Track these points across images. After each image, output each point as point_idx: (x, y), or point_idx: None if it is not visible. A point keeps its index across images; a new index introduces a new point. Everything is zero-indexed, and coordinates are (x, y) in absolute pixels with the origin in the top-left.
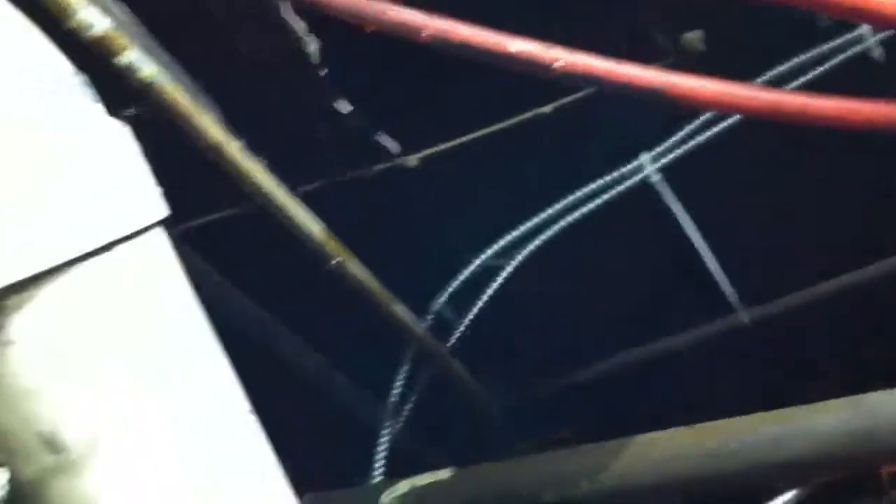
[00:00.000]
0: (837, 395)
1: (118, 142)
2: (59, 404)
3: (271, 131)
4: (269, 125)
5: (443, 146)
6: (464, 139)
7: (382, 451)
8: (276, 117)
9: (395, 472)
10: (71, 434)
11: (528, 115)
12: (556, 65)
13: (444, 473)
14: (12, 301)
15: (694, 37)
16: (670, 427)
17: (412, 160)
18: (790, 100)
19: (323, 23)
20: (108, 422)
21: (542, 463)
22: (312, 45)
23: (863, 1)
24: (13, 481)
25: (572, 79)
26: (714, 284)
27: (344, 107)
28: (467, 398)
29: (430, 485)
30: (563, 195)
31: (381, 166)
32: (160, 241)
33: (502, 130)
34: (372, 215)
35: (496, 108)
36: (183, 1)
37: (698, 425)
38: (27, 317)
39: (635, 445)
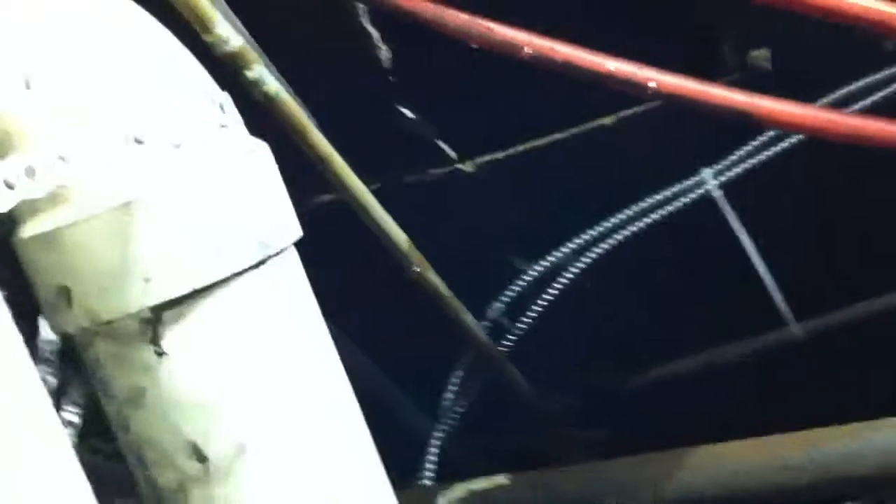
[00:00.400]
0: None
1: (260, 161)
2: (207, 415)
3: (337, 131)
4: (336, 125)
5: (500, 153)
6: (521, 148)
7: (433, 454)
8: (342, 118)
9: (442, 477)
10: (217, 444)
11: (588, 126)
12: (651, 85)
13: (501, 478)
14: (167, 316)
15: (761, 54)
16: (718, 435)
17: (469, 166)
18: (872, 126)
19: (393, 33)
20: (253, 432)
21: (603, 470)
22: (385, 53)
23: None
24: (153, 488)
25: (665, 98)
26: (769, 299)
27: (408, 113)
28: (520, 403)
29: (487, 489)
30: (621, 206)
31: (438, 171)
32: (295, 260)
33: (562, 140)
34: (430, 218)
35: (557, 119)
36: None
37: (767, 438)
38: (180, 331)
39: (701, 455)
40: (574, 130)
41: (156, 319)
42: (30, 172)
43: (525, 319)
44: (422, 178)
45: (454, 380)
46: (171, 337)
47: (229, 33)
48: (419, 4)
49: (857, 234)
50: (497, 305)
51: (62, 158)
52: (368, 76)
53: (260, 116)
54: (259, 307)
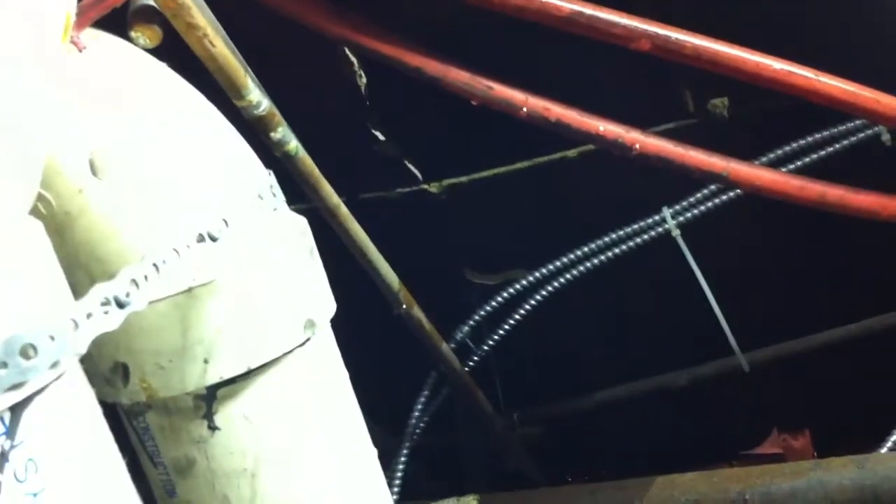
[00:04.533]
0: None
1: (305, 239)
2: (253, 483)
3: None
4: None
5: (464, 178)
6: (483, 173)
7: (397, 477)
8: (318, 136)
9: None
10: None
11: (551, 157)
12: (636, 146)
13: (468, 499)
14: (221, 393)
15: (719, 102)
16: (665, 459)
17: (433, 187)
18: (833, 192)
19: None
20: (294, 497)
21: (559, 496)
22: (363, 79)
23: (861, 98)
24: None
25: (648, 160)
26: (720, 332)
27: (381, 135)
28: (483, 426)
29: None
30: (581, 237)
31: (403, 189)
32: (329, 332)
33: (526, 169)
34: (394, 234)
35: (524, 148)
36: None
37: (720, 471)
38: (232, 407)
39: (656, 486)
40: (538, 160)
41: (210, 396)
42: (133, 285)
43: (488, 343)
44: (388, 195)
45: (420, 401)
46: (224, 412)
47: (260, 98)
48: (424, 61)
49: (801, 275)
50: (464, 329)
51: (154, 265)
52: (345, 99)
53: None
54: (303, 380)
